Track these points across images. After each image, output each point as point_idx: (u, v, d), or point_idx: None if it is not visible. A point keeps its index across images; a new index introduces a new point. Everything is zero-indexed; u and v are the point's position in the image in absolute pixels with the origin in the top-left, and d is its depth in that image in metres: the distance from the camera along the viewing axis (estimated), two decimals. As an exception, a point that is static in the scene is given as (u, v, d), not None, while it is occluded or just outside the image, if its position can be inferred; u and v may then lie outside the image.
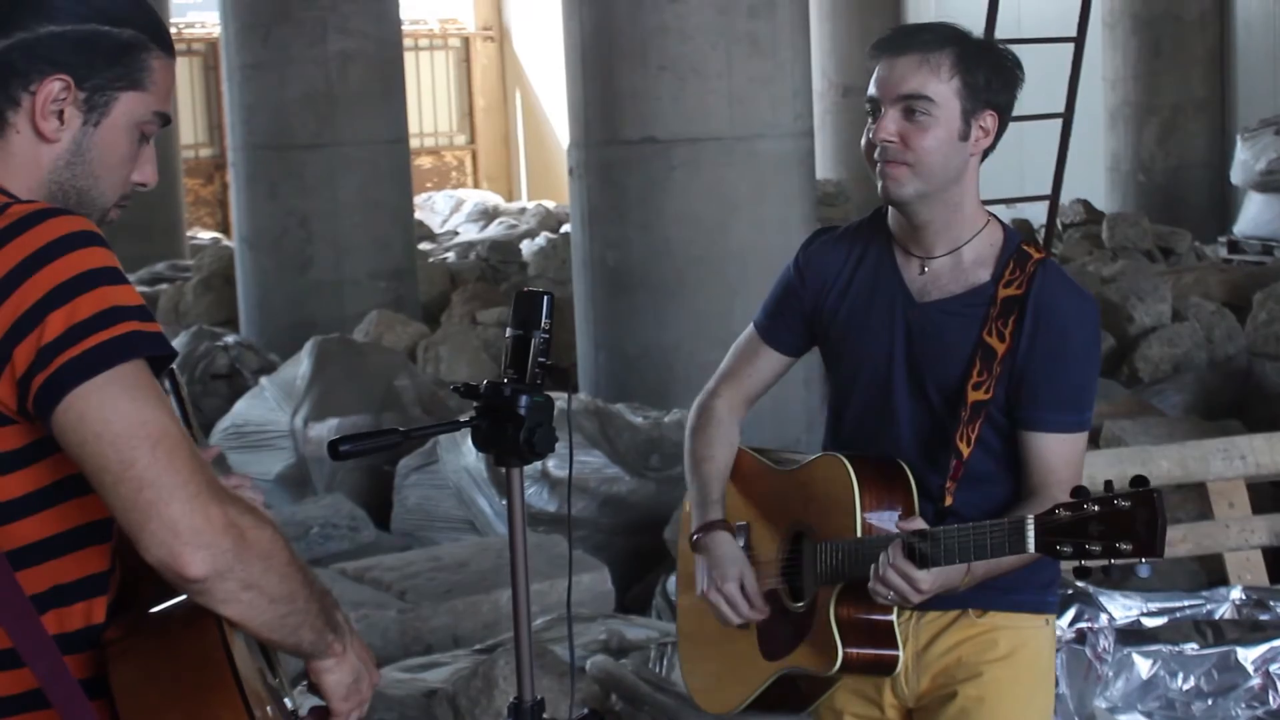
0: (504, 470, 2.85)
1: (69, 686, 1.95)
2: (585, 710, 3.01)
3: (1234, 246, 13.51)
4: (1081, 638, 4.49)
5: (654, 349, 7.23)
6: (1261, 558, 5.27)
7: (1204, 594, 4.89)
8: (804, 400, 6.79)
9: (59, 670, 1.95)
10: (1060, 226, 13.90)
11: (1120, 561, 2.49)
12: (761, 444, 3.32)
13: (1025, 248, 2.97)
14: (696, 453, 3.21)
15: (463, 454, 6.67)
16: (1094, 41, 12.76)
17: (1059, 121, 11.38)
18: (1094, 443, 6.65)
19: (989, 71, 2.92)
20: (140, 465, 1.89)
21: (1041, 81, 13.68)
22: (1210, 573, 5.41)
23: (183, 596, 2.01)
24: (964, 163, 2.94)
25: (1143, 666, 4.55)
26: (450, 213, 20.22)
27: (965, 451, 2.90)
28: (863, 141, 2.96)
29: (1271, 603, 4.82)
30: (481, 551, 5.85)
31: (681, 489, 6.38)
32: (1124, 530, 2.49)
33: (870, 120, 2.94)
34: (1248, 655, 4.59)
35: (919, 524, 2.78)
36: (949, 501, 2.90)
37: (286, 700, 2.21)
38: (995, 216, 3.05)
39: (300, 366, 8.16)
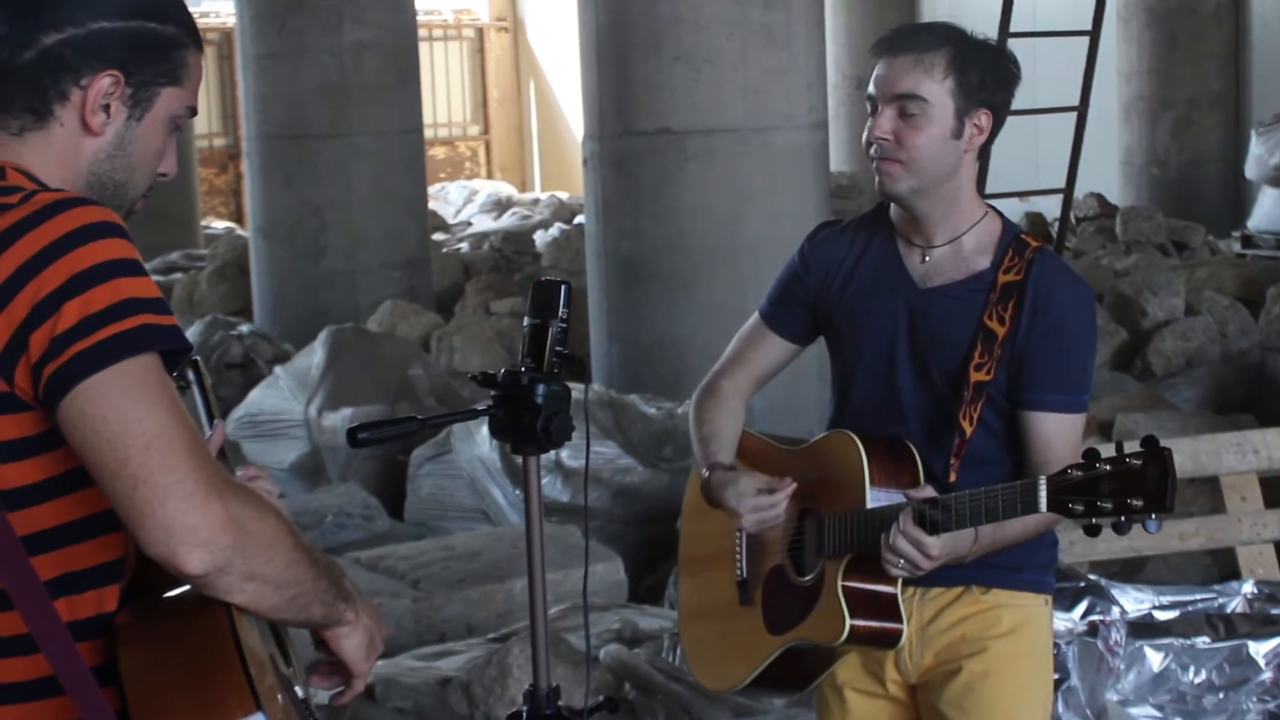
0: (520, 459, 2.86)
1: (81, 673, 1.96)
2: (600, 698, 3.03)
3: (1248, 241, 13.49)
4: (1093, 630, 4.50)
5: (667, 340, 7.25)
6: (1274, 551, 5.27)
7: (1216, 588, 4.90)
8: (817, 392, 6.79)
9: (71, 657, 1.96)
10: (1074, 220, 13.89)
11: (1132, 518, 2.53)
12: (760, 431, 3.34)
13: (1023, 237, 3.06)
14: (698, 419, 3.27)
15: (477, 444, 6.69)
16: (1109, 35, 12.75)
17: (1073, 115, 11.38)
18: (1107, 435, 6.66)
19: (983, 71, 3.00)
20: (134, 464, 1.89)
21: (1056, 75, 13.72)
22: (1222, 566, 5.41)
23: None
24: (957, 159, 3.03)
25: (1154, 660, 4.56)
26: (464, 203, 20.24)
27: (968, 430, 2.97)
28: (864, 137, 3.04)
29: (1283, 596, 4.83)
30: (495, 541, 5.87)
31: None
32: (1135, 487, 2.53)
33: (870, 117, 3.02)
34: (1259, 649, 4.60)
35: (928, 491, 2.84)
36: (953, 478, 2.96)
37: (298, 689, 2.23)
38: (993, 208, 3.14)
39: (314, 356, 8.18)
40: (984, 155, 3.20)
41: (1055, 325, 2.97)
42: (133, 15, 2.09)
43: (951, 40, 2.99)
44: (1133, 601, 4.68)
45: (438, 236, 15.16)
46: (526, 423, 2.77)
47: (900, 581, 2.96)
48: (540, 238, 15.00)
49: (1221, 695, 4.56)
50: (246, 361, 9.62)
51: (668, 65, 7.12)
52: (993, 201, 3.22)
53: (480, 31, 24.23)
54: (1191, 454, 5.27)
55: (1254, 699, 4.59)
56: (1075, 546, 4.94)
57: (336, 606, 2.12)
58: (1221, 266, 11.38)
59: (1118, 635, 4.52)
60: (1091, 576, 4.75)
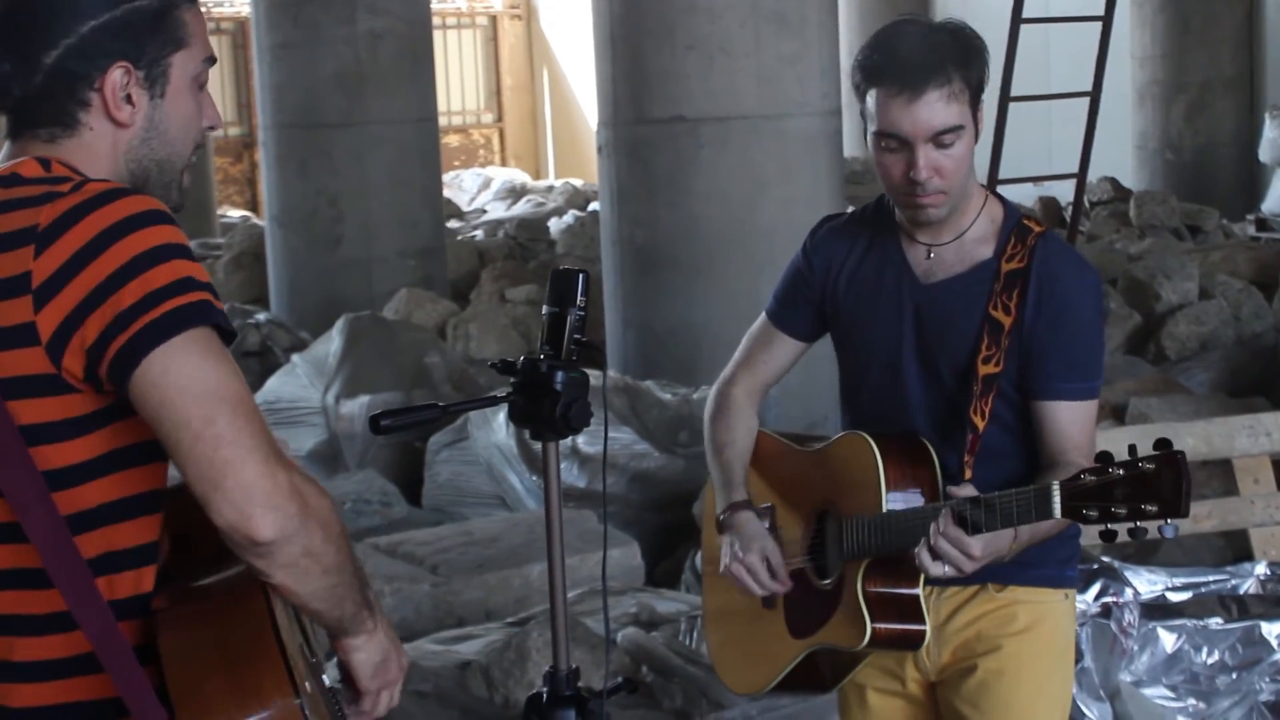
0: (537, 445, 2.89)
1: (121, 650, 2.00)
2: (619, 679, 3.06)
3: (1262, 224, 13.48)
4: (1107, 612, 4.52)
5: (682, 326, 7.27)
6: (1286, 534, 5.30)
7: (1229, 569, 4.92)
8: (831, 377, 6.79)
9: (112, 634, 2.00)
10: (1088, 205, 13.89)
11: (1146, 523, 2.51)
12: (790, 420, 3.37)
13: (1026, 222, 3.02)
14: (717, 439, 3.25)
15: (493, 430, 6.72)
16: (1122, 19, 12.74)
17: (1086, 100, 11.37)
18: (1120, 419, 6.68)
19: (980, 67, 2.95)
20: (221, 424, 1.94)
21: (1069, 60, 13.70)
22: (1235, 548, 5.43)
23: (229, 571, 2.07)
24: (973, 158, 3.00)
25: (1167, 641, 4.58)
26: (478, 191, 20.25)
27: (980, 425, 2.93)
28: (893, 174, 2.93)
29: (1295, 578, 4.85)
30: (512, 527, 5.90)
31: (710, 465, 6.41)
32: (1149, 492, 2.50)
33: (883, 151, 2.92)
34: (1272, 630, 4.62)
35: (969, 490, 2.78)
36: (968, 475, 2.91)
37: (325, 677, 2.26)
38: (992, 192, 3.09)
39: (331, 344, 8.21)
40: (997, 140, 3.17)
41: (1062, 312, 2.93)
42: (117, 2, 2.11)
43: (955, 51, 2.91)
44: (1146, 583, 4.70)
45: (452, 224, 15.19)
46: (546, 409, 2.80)
47: (923, 581, 2.92)
48: (555, 225, 15.01)
49: (1234, 676, 4.59)
50: (264, 350, 9.66)
51: (681, 52, 7.14)
52: (1006, 187, 3.19)
53: (494, 19, 24.23)
54: (1205, 437, 5.29)
55: (1267, 679, 4.62)
56: (1090, 530, 4.96)
57: (362, 611, 2.16)
58: (1235, 250, 11.38)
59: (1131, 617, 4.54)
60: (1105, 558, 4.78)
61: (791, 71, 7.19)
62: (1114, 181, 14.77)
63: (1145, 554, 5.27)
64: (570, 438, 2.97)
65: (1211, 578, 4.84)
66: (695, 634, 4.72)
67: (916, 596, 2.94)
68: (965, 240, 3.02)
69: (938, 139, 2.88)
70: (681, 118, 7.19)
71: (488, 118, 24.16)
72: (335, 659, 2.27)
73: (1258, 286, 10.06)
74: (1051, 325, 2.93)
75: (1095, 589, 4.57)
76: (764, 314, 3.28)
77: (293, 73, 10.78)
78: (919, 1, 18.33)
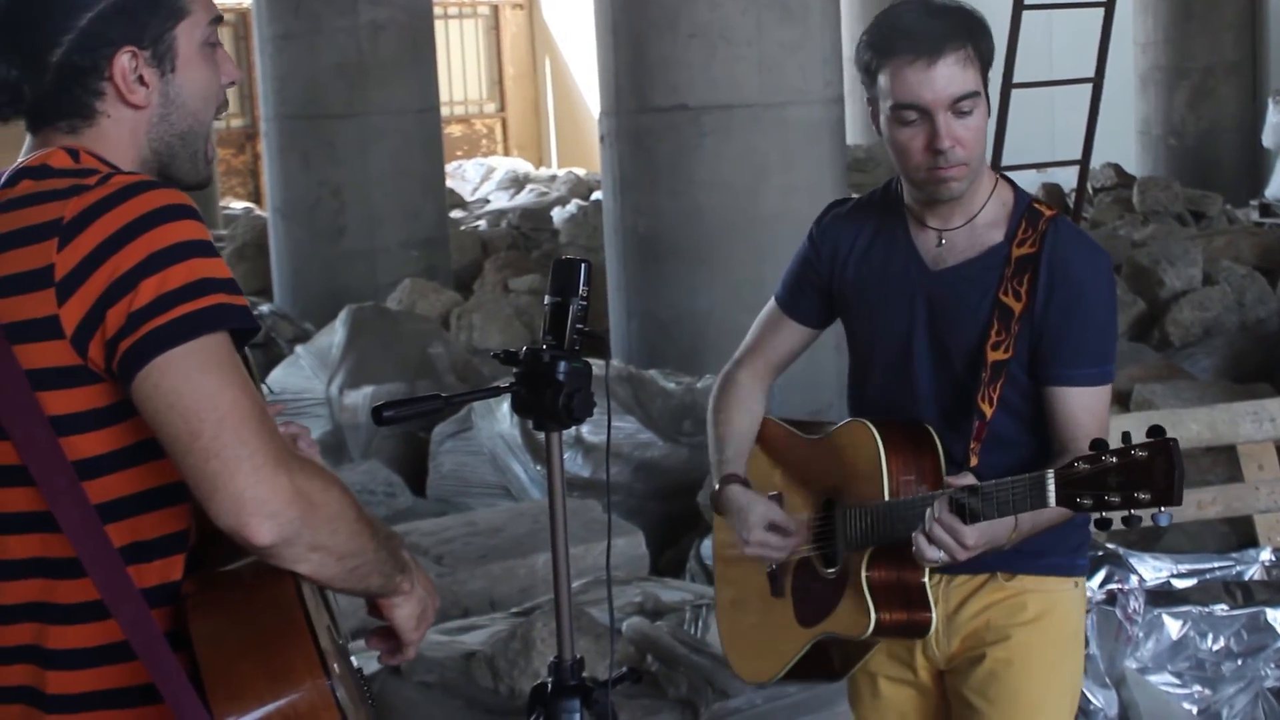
0: (540, 435, 2.89)
1: (153, 637, 2.01)
2: (624, 669, 3.06)
3: (1266, 210, 13.47)
4: (1112, 599, 4.53)
5: (686, 315, 7.27)
6: (1291, 519, 5.30)
7: (1233, 556, 4.92)
8: (836, 365, 6.79)
9: (144, 621, 2.01)
10: (1091, 191, 13.88)
11: (1140, 511, 2.50)
12: (793, 408, 3.36)
13: (1036, 205, 3.00)
14: (713, 418, 3.25)
15: (497, 420, 6.73)
16: (1124, 5, 12.71)
17: (1089, 86, 11.36)
18: (1124, 406, 6.67)
19: (988, 41, 2.94)
20: (206, 438, 1.94)
21: (1072, 46, 13.66)
22: (1240, 534, 5.43)
23: None
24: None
25: (1173, 627, 4.58)
26: (481, 181, 20.25)
27: (988, 412, 2.91)
28: (913, 149, 2.90)
29: (1300, 564, 4.85)
30: (517, 517, 5.90)
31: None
32: (1142, 480, 2.49)
33: (901, 125, 2.89)
34: (1277, 616, 4.62)
35: (968, 479, 2.76)
36: (974, 463, 2.90)
37: (353, 659, 2.29)
38: (1003, 176, 3.07)
39: (335, 335, 8.22)
40: (1000, 126, 3.17)
41: (1074, 297, 2.91)
42: None
43: (962, 18, 2.90)
44: (1151, 570, 4.70)
45: (455, 214, 15.18)
46: (549, 400, 2.80)
47: (928, 569, 2.91)
48: (558, 214, 15.00)
49: (1239, 662, 4.59)
50: (267, 341, 9.66)
51: (683, 41, 7.13)
52: (1010, 174, 3.16)
53: (495, 9, 24.22)
54: (1209, 423, 5.29)
55: (1272, 665, 4.62)
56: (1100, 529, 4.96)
57: (394, 578, 2.18)
58: (1239, 236, 11.37)
59: (1136, 603, 4.54)
60: (1110, 545, 4.78)
61: (793, 59, 7.19)
62: (1117, 168, 14.76)
63: (1150, 541, 5.27)
64: (574, 427, 2.97)
65: (1216, 564, 4.84)
66: (700, 623, 4.72)
67: (922, 585, 2.93)
68: (976, 224, 2.99)
69: (956, 107, 2.86)
70: (684, 106, 7.19)
71: (490, 107, 24.16)
72: (368, 636, 2.30)
73: (1261, 272, 10.05)
74: (1064, 311, 2.91)
75: (1100, 576, 4.57)
76: (773, 299, 3.27)
77: (294, 64, 10.78)
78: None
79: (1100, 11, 11.31)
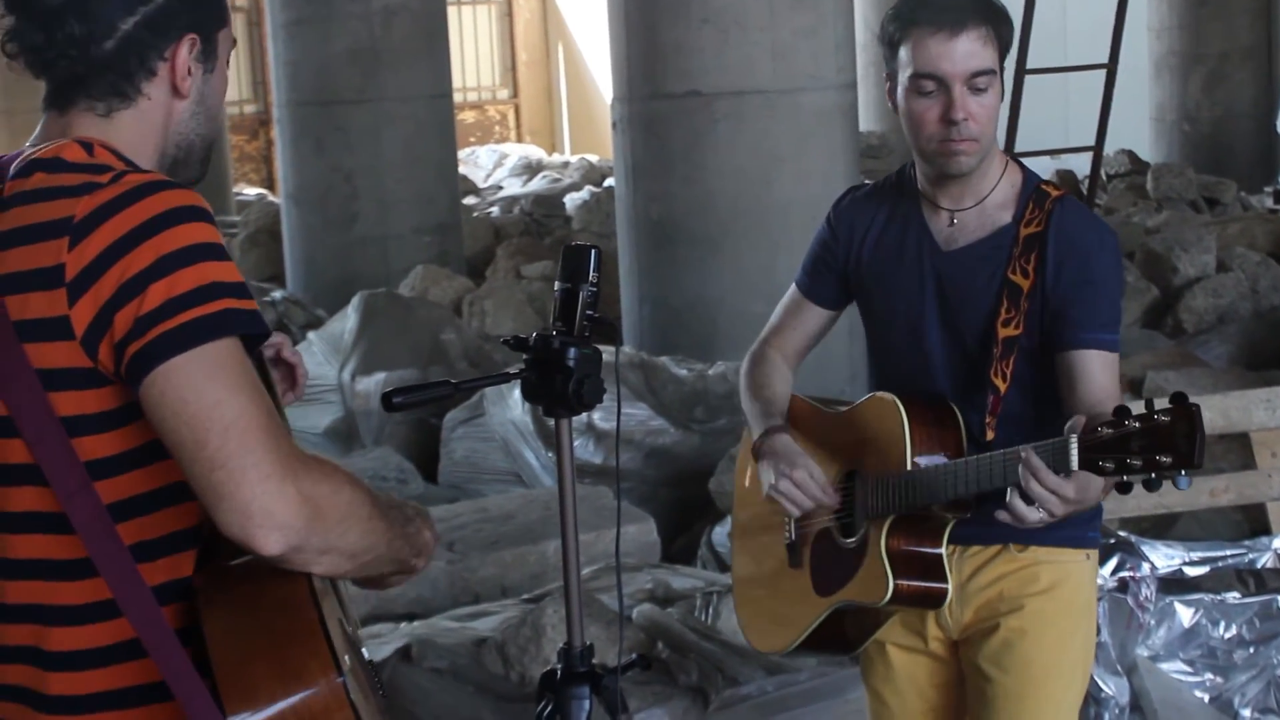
0: (552, 422, 2.89)
1: (165, 635, 2.00)
2: (633, 656, 3.06)
3: (1280, 197, 13.44)
4: (1124, 586, 4.51)
5: (698, 302, 7.27)
6: (1304, 507, 5.28)
7: (1246, 543, 4.90)
8: (847, 350, 6.81)
9: (155, 621, 2.00)
10: (1105, 177, 13.85)
11: (1161, 475, 2.52)
12: (805, 394, 3.37)
13: (1044, 187, 3.07)
14: (754, 382, 3.28)
15: (509, 407, 6.73)
16: (1139, -9, 12.68)
17: (1103, 72, 11.33)
18: (1137, 393, 6.66)
19: (1008, 27, 3.03)
20: (211, 448, 1.93)
21: (1086, 32, 13.62)
22: (1252, 522, 5.41)
23: None
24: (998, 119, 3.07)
25: (1185, 615, 4.57)
26: (494, 167, 20.25)
27: (1002, 386, 2.97)
28: (927, 119, 2.97)
29: (1314, 552, 4.83)
30: (528, 503, 5.90)
31: (726, 441, 6.42)
32: (1164, 443, 2.52)
33: (919, 95, 2.97)
34: (1290, 604, 4.61)
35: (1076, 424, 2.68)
36: (991, 436, 2.95)
37: (364, 650, 2.29)
38: (1012, 158, 3.14)
39: (347, 321, 8.22)
40: (1013, 113, 3.21)
41: (1083, 267, 2.97)
42: None
43: (980, 2, 2.99)
44: (1163, 557, 4.68)
45: (468, 201, 15.18)
46: (558, 386, 2.80)
47: (945, 541, 2.97)
48: (570, 201, 15.00)
49: (1252, 650, 4.58)
50: (279, 327, 9.67)
51: (696, 27, 7.12)
52: (1023, 160, 3.21)
53: (508, -6, 24.21)
54: (1222, 410, 5.27)
55: (1284, 653, 4.61)
56: (1105, 503, 4.95)
57: (408, 562, 2.17)
58: (1253, 222, 11.34)
59: (1148, 591, 4.53)
60: (1122, 533, 4.77)
61: (806, 45, 7.17)
62: (1131, 154, 14.73)
63: (1162, 528, 5.26)
64: (585, 414, 2.96)
65: (1229, 552, 4.83)
66: (711, 610, 4.72)
67: (939, 555, 2.97)
68: (987, 205, 3.06)
69: (973, 82, 2.93)
70: (696, 92, 7.18)
71: (503, 93, 24.15)
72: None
73: (1275, 259, 10.03)
74: (1074, 280, 2.96)
75: (1112, 563, 4.56)
76: (794, 284, 3.34)
77: (307, 49, 10.77)
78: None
79: (1115, -3, 11.28)
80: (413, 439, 7.41)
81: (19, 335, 2.00)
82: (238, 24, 21.02)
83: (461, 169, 14.86)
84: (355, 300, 8.38)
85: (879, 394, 3.09)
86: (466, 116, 22.40)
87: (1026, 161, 3.23)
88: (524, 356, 2.84)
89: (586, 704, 2.92)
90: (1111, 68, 11.31)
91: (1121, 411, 2.59)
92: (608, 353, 2.95)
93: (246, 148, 21.79)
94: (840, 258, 3.22)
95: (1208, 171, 14.05)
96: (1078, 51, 12.88)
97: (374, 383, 7.66)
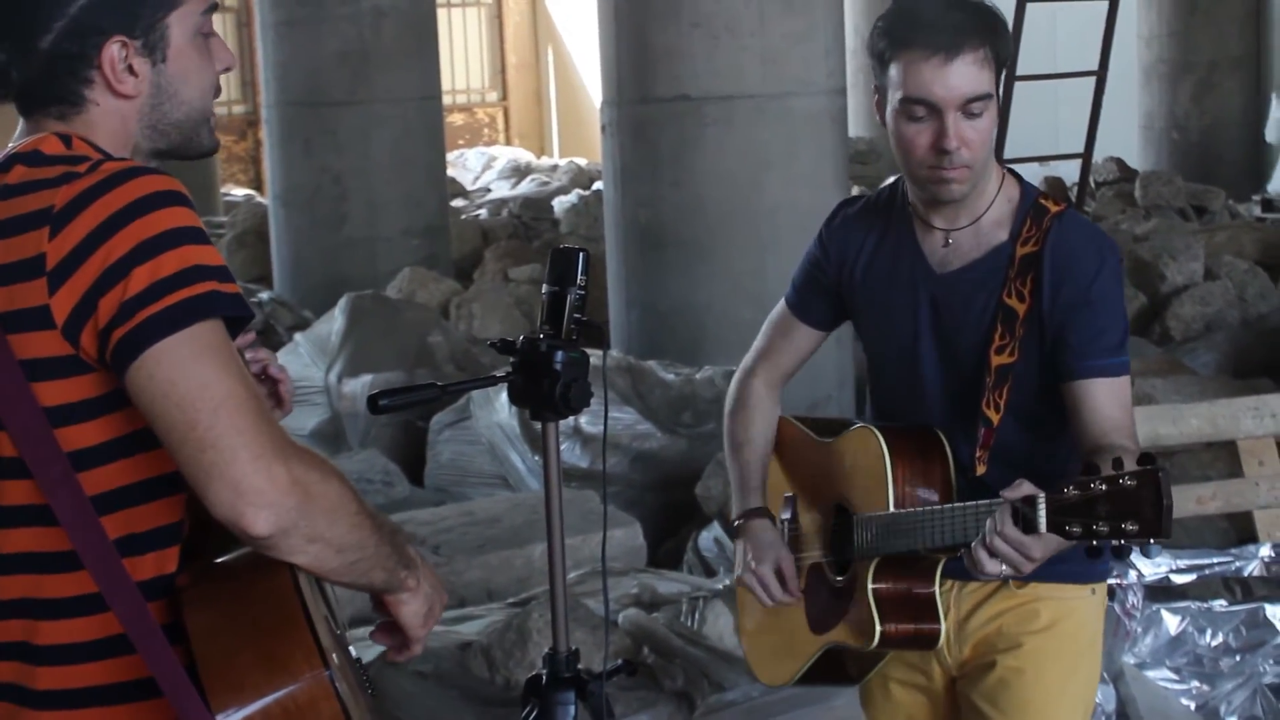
0: (538, 425, 2.87)
1: (151, 630, 1.99)
2: (619, 661, 3.04)
3: (1268, 205, 13.45)
4: (1110, 594, 4.51)
5: (686, 306, 7.25)
6: (1291, 516, 5.28)
7: (1233, 551, 4.90)
8: (835, 358, 6.80)
9: (141, 614, 1.99)
10: (1093, 184, 13.86)
11: (1128, 542, 2.41)
12: (792, 401, 3.33)
13: (1042, 201, 2.92)
14: (735, 436, 3.19)
15: (496, 410, 6.72)
16: (1129, -1, 12.70)
17: (1093, 79, 11.34)
18: (1125, 401, 6.65)
19: (1005, 41, 2.86)
20: (201, 428, 1.92)
21: (1076, 39, 13.63)
22: (1240, 530, 5.41)
23: None
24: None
25: (1171, 623, 4.57)
26: (482, 170, 20.25)
27: (994, 419, 2.84)
28: (918, 145, 2.82)
29: (1300, 560, 4.84)
30: (514, 507, 5.89)
31: (713, 445, 6.40)
32: (1130, 510, 2.40)
33: (909, 120, 2.82)
34: (1276, 612, 4.61)
35: (1027, 489, 2.55)
36: (980, 471, 2.84)
37: (351, 649, 2.27)
38: (1010, 170, 3.01)
39: (334, 323, 8.21)
40: (1002, 119, 3.10)
41: (1080, 292, 2.82)
42: None
43: (984, 16, 2.83)
44: (1150, 565, 4.68)
45: (456, 203, 15.17)
46: (545, 389, 2.78)
47: (938, 579, 2.86)
48: (559, 204, 15.00)
49: (1238, 658, 4.58)
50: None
51: (686, 31, 7.12)
52: (1012, 167, 3.10)
53: (498, -3, 24.20)
54: (1209, 418, 5.27)
55: (1270, 661, 4.61)
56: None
57: (398, 573, 2.15)
58: (1241, 231, 11.36)
59: (1135, 599, 4.53)
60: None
61: (797, 50, 7.17)
62: (1120, 161, 14.75)
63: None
64: (572, 418, 2.94)
65: (1216, 560, 4.82)
66: (697, 615, 4.70)
67: (931, 595, 2.87)
68: (982, 224, 2.92)
69: (967, 108, 2.78)
70: (686, 97, 7.17)
71: (492, 96, 24.14)
72: (373, 630, 2.28)
73: (1263, 267, 10.04)
74: (1072, 303, 2.83)
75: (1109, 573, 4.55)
76: (783, 301, 3.21)
77: (296, 51, 10.76)
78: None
79: (1105, 5, 11.29)
80: (399, 441, 7.40)
81: (4, 328, 1.99)
82: (226, 24, 21.00)
83: (450, 171, 14.86)
84: (342, 302, 8.36)
85: (864, 427, 2.97)
86: (455, 119, 22.38)
87: (1015, 169, 3.12)
88: (511, 360, 2.83)
89: (572, 709, 2.91)
90: (1101, 75, 11.32)
91: (1090, 469, 2.47)
92: (595, 356, 2.93)
93: (234, 148, 21.76)
94: (832, 278, 3.10)
95: (1196, 179, 14.06)
96: (1067, 58, 12.89)
97: (360, 385, 7.64)
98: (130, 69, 2.11)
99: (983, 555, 2.60)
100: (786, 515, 3.15)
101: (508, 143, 23.38)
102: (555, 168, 19.39)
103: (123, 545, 2.03)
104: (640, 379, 6.72)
